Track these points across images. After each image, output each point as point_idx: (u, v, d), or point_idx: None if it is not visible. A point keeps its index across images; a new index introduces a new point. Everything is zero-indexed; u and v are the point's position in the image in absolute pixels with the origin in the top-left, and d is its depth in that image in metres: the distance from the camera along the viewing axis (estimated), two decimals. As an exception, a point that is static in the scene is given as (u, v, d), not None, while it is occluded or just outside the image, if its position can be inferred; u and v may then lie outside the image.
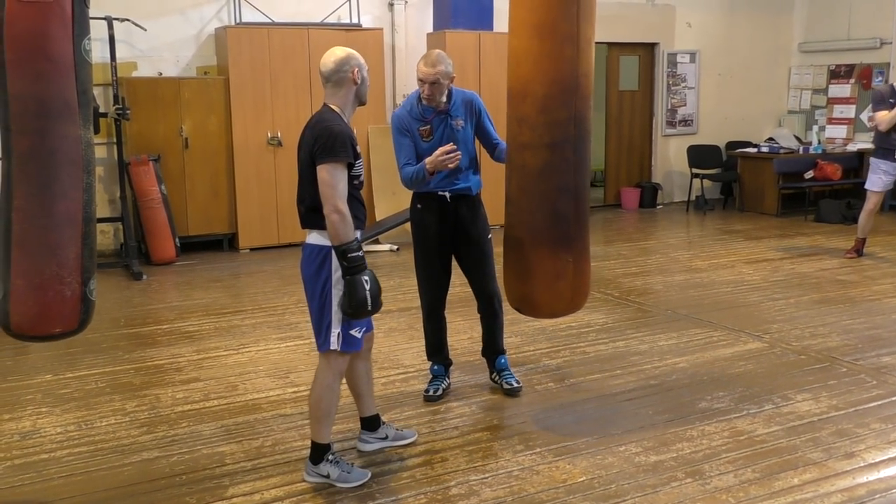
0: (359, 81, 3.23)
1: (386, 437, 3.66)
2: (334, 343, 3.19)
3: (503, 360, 4.34)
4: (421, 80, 3.86)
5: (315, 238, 3.20)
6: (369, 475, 3.35)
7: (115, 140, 7.50)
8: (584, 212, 3.64)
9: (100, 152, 7.93)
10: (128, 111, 7.23)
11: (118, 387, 4.46)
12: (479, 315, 4.29)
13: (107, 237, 8.16)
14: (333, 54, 3.21)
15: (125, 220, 7.45)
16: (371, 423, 3.65)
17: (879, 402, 4.12)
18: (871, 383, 4.39)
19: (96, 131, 7.23)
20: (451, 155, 3.73)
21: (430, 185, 3.96)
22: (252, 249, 8.22)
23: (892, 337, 5.19)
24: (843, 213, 9.50)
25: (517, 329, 5.40)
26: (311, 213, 3.19)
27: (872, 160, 7.36)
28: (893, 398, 4.17)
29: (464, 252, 4.13)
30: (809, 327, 5.41)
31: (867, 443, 3.67)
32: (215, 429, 3.88)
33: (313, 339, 5.20)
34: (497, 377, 4.32)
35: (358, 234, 3.18)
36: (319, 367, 3.30)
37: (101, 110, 7.32)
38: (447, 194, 4.02)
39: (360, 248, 3.10)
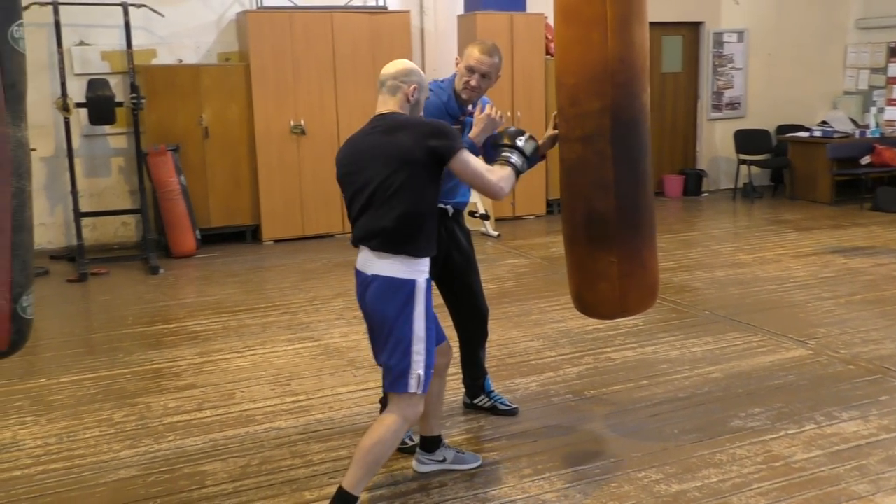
0: (412, 101, 2.86)
1: (444, 460, 3.31)
2: (413, 386, 2.81)
3: (490, 381, 3.92)
4: (470, 69, 3.32)
5: (395, 268, 2.77)
6: None
7: (132, 130, 7.30)
8: (631, 209, 3.19)
9: (118, 142, 7.77)
10: (142, 100, 7.02)
11: (110, 393, 4.24)
12: (463, 338, 3.77)
13: (129, 229, 8.02)
14: (396, 64, 2.92)
15: (144, 213, 7.28)
16: (430, 444, 3.30)
17: (937, 423, 3.68)
18: (928, 399, 3.95)
19: (112, 121, 7.07)
20: (499, 114, 3.20)
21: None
22: (276, 241, 7.99)
23: (954, 344, 4.71)
24: (902, 202, 8.91)
25: (539, 332, 5.06)
26: (398, 237, 2.76)
27: None
28: (953, 418, 3.72)
29: (458, 270, 3.59)
30: (860, 332, 4.95)
31: (922, 472, 3.25)
32: (202, 443, 3.62)
33: (322, 342, 5.07)
34: (487, 401, 3.86)
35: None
36: (389, 407, 2.89)
37: (118, 99, 7.13)
38: (449, 207, 3.49)
39: (520, 167, 3.02)
